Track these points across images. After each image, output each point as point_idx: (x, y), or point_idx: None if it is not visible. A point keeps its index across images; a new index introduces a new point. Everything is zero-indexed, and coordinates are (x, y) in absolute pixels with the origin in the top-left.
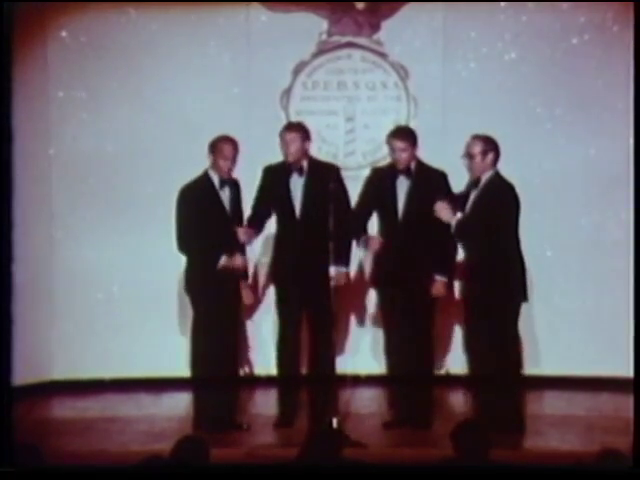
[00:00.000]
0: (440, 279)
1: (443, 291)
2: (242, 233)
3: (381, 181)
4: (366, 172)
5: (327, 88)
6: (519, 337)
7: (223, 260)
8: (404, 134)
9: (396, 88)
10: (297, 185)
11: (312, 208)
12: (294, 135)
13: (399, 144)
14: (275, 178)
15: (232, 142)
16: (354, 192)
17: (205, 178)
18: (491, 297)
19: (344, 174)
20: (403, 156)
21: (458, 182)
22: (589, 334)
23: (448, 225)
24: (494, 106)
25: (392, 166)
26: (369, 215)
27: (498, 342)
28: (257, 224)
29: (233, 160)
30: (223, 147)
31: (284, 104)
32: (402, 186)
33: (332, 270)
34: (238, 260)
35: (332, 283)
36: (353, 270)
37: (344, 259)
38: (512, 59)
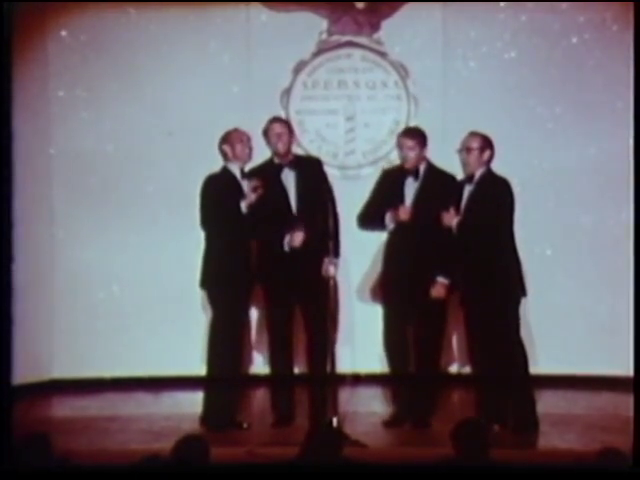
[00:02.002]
0: (441, 281)
1: (443, 293)
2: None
3: (390, 183)
4: (366, 171)
5: (327, 87)
6: (520, 334)
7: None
8: (413, 132)
9: (396, 87)
10: (290, 180)
11: (306, 201)
12: (284, 129)
13: (407, 142)
14: (266, 178)
15: (239, 129)
16: (354, 191)
17: (225, 172)
18: (490, 293)
19: (344, 173)
20: (411, 155)
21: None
22: (589, 333)
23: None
24: (494, 105)
25: (401, 168)
26: (379, 213)
27: (499, 339)
28: None
29: (247, 143)
30: (233, 133)
31: (284, 103)
32: (410, 188)
33: (325, 262)
34: None
35: (327, 275)
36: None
37: (335, 250)
38: (512, 58)
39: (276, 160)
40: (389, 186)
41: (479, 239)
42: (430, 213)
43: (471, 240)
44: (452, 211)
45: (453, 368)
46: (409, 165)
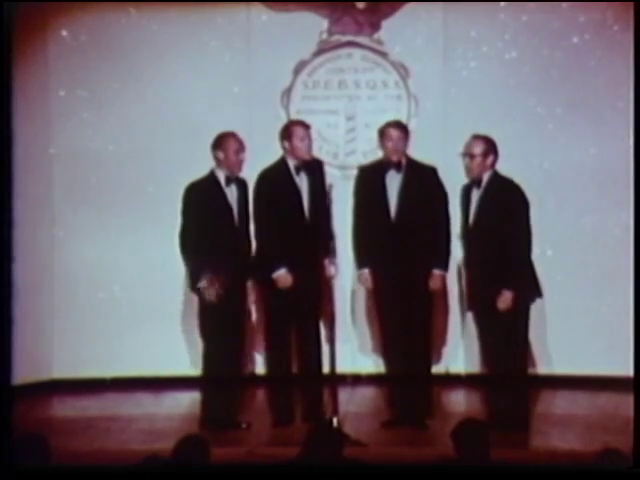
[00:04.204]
0: (439, 273)
1: (442, 285)
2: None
3: (370, 179)
4: None
5: (328, 87)
6: (528, 335)
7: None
8: (400, 124)
9: (397, 87)
10: (303, 183)
11: (316, 204)
12: (307, 132)
13: (398, 133)
14: (280, 181)
15: (236, 136)
16: None
17: (211, 177)
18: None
19: (345, 173)
20: (400, 145)
21: (459, 180)
22: (589, 333)
23: (442, 219)
24: (494, 105)
25: (380, 163)
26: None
27: (513, 342)
28: None
29: (241, 153)
30: (229, 140)
31: (285, 103)
32: (393, 182)
33: (326, 263)
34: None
35: (327, 275)
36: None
37: (332, 250)
38: (512, 58)
39: (291, 162)
40: (370, 182)
41: (494, 243)
42: (416, 206)
43: (487, 244)
44: (507, 295)
45: (453, 368)
46: (398, 157)
